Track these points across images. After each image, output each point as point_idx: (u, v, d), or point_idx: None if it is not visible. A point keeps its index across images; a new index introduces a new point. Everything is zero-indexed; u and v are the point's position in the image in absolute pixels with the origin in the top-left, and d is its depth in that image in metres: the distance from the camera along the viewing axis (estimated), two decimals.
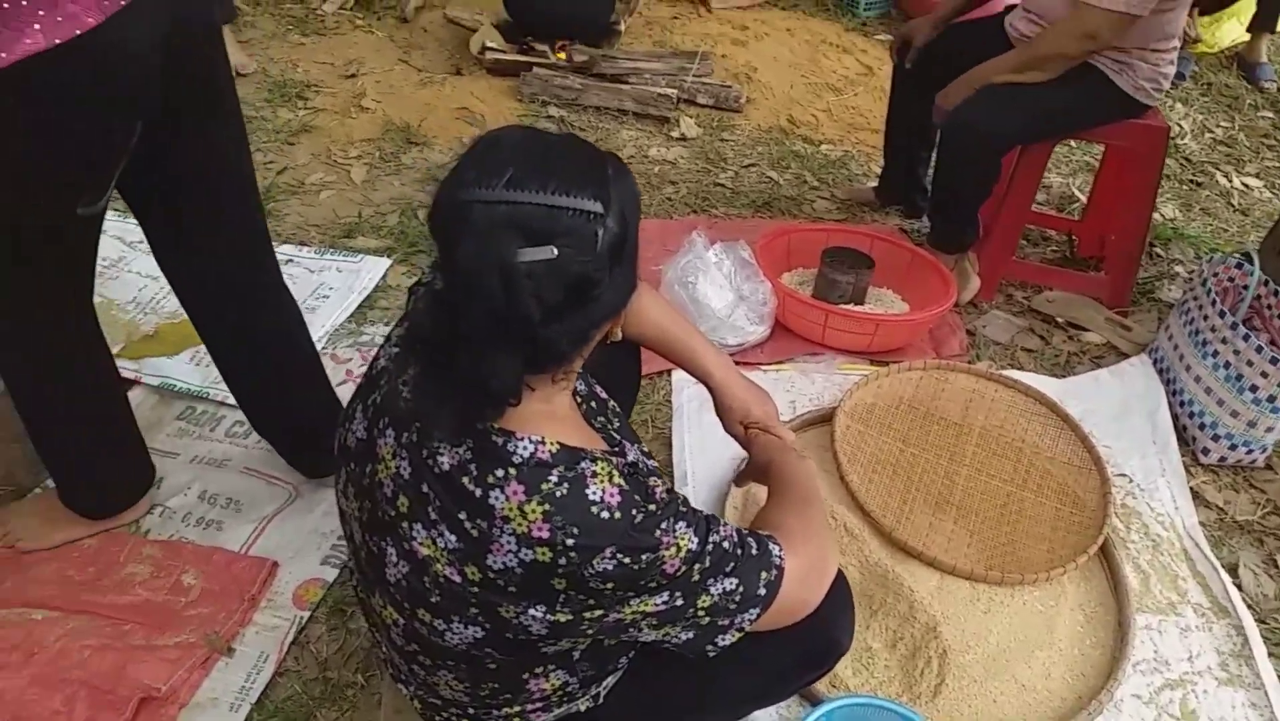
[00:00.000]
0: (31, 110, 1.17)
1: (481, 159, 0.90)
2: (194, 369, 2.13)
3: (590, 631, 1.02)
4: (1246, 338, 2.05)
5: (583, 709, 1.20)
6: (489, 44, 3.67)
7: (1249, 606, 1.85)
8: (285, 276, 1.75)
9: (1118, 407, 2.29)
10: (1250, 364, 2.05)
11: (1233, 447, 2.15)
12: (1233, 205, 3.39)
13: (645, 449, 1.27)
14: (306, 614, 1.68)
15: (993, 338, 2.53)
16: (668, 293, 2.33)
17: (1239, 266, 2.28)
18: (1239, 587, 1.89)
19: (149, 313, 2.32)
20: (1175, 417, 2.25)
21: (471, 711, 1.18)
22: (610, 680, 1.21)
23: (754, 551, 1.06)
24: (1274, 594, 1.91)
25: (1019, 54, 2.38)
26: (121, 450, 1.76)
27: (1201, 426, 2.18)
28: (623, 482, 0.97)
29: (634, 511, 0.96)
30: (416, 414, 1.00)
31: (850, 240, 2.61)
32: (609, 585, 0.96)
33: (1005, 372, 2.33)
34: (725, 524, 1.06)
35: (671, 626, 1.03)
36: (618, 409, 1.30)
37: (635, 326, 1.37)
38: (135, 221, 1.60)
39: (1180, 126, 3.82)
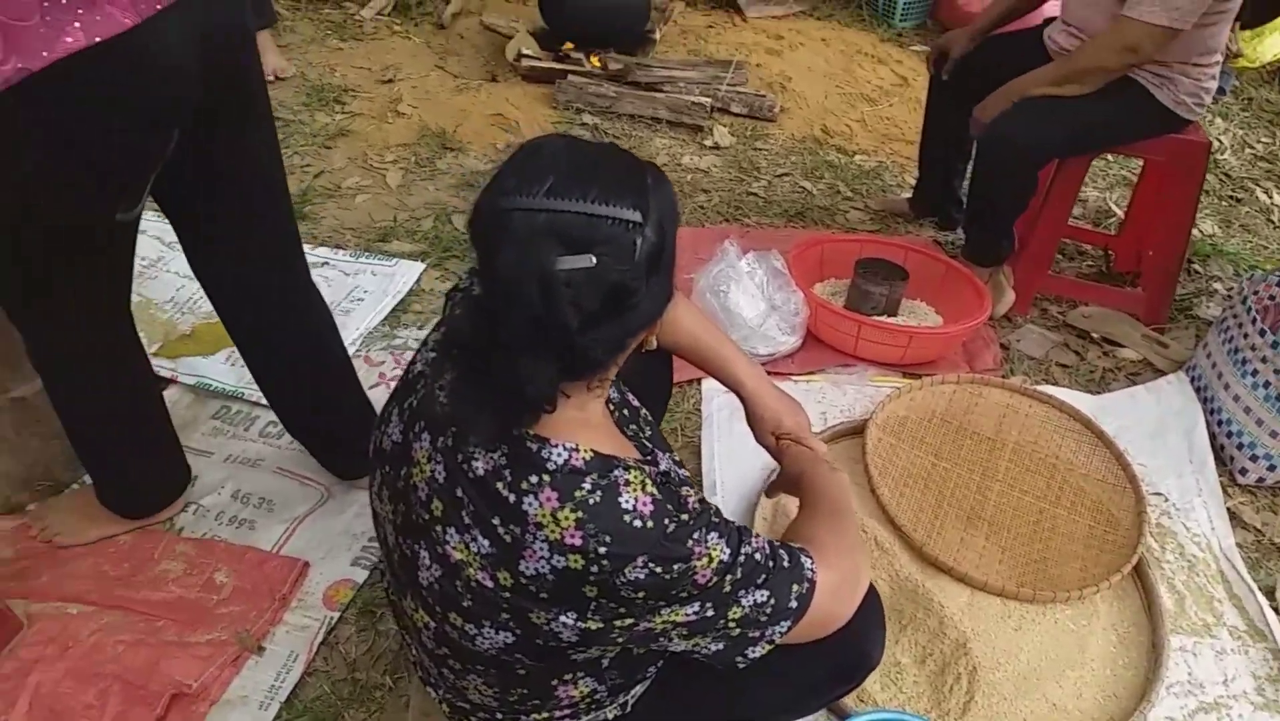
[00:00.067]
0: (73, 112, 1.18)
1: (522, 167, 0.90)
2: (229, 369, 2.15)
3: (620, 640, 1.02)
4: None
5: (610, 717, 1.20)
6: (525, 51, 3.70)
7: None
8: (320, 279, 1.77)
9: (1154, 425, 2.27)
10: None
11: (1271, 468, 2.12)
12: (1273, 222, 3.34)
13: (676, 457, 1.27)
14: (336, 614, 1.69)
15: (1027, 352, 2.51)
16: (699, 301, 2.33)
17: None
18: (1276, 611, 1.86)
19: (186, 312, 2.35)
20: (1213, 436, 2.22)
21: (500, 716, 1.18)
22: (638, 689, 1.21)
23: (786, 564, 1.06)
24: None
25: (1058, 67, 2.36)
26: (157, 450, 1.78)
27: (1240, 446, 2.14)
28: (655, 492, 0.97)
29: (666, 521, 0.96)
30: (453, 418, 1.00)
31: (884, 251, 2.60)
32: (640, 594, 0.96)
33: (1040, 388, 2.30)
34: (757, 535, 1.06)
35: (701, 637, 1.03)
36: (649, 417, 1.30)
37: (669, 335, 1.37)
38: None
39: (1220, 141, 3.77)
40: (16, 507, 1.84)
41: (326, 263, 2.55)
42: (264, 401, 1.88)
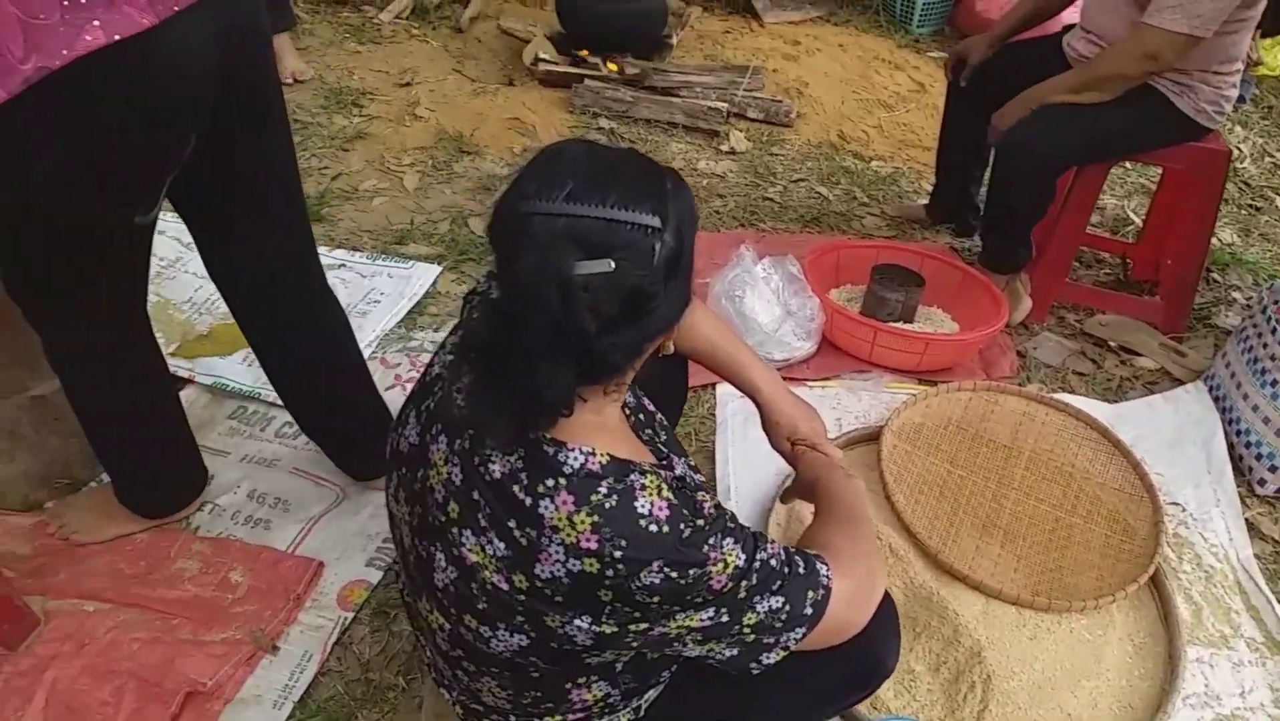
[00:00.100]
0: (93, 111, 1.18)
1: (542, 171, 0.91)
2: (246, 369, 2.16)
3: (635, 644, 1.02)
4: None
5: None
6: (542, 55, 3.71)
7: None
8: (337, 281, 1.78)
9: (1171, 435, 2.25)
10: None
11: None
12: None
13: (692, 462, 1.27)
14: (350, 615, 1.70)
15: (1044, 360, 2.50)
16: (715, 306, 2.33)
17: None
18: None
19: (204, 313, 2.37)
20: (1231, 447, 2.20)
21: (513, 719, 1.18)
22: (652, 693, 1.21)
23: (801, 570, 1.05)
24: None
25: (1077, 74, 2.35)
26: (173, 451, 1.79)
27: (1259, 457, 2.13)
28: (671, 497, 0.97)
29: (682, 526, 0.96)
30: (470, 421, 1.00)
31: (900, 257, 2.59)
32: (655, 599, 0.96)
33: (1056, 396, 2.29)
34: (773, 541, 1.06)
35: (716, 642, 1.03)
36: (664, 421, 1.30)
37: (685, 339, 1.37)
38: None
39: (1240, 150, 3.75)
40: (35, 505, 1.86)
41: (343, 265, 2.56)
42: (280, 402, 1.89)
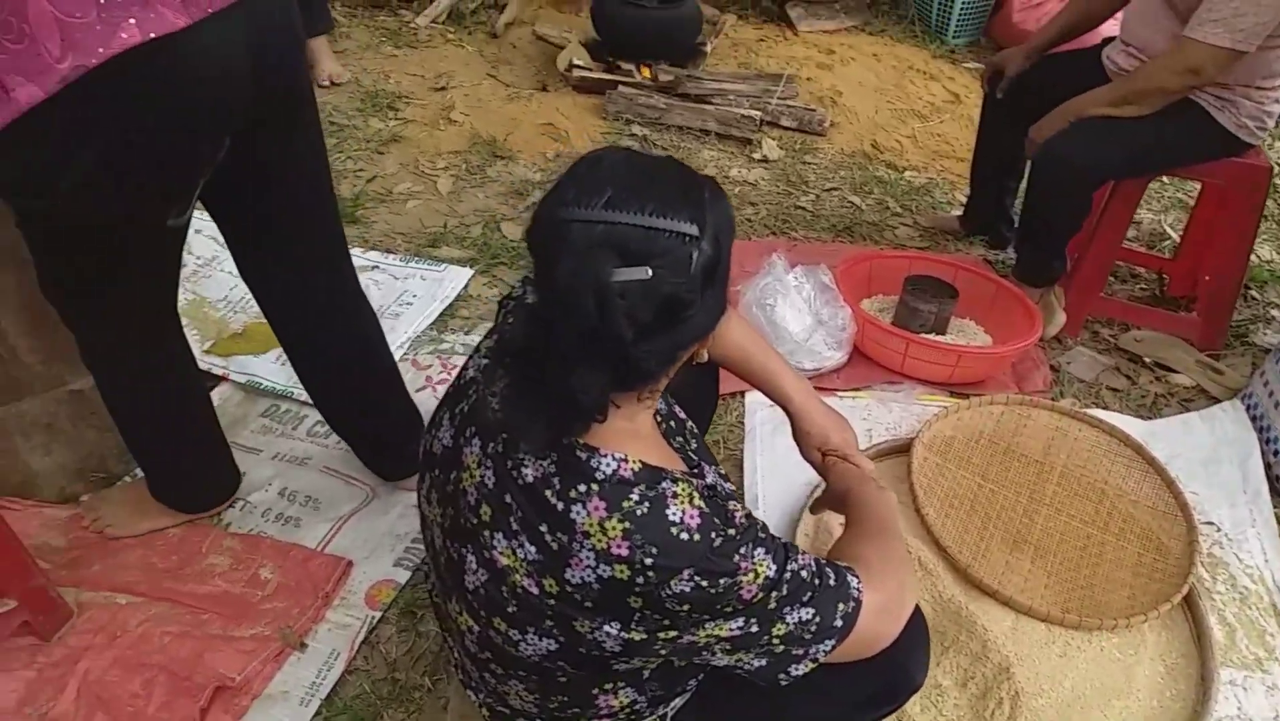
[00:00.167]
0: (129, 109, 1.18)
1: (582, 179, 0.91)
2: (279, 368, 2.18)
3: (663, 651, 1.02)
4: None
5: None
6: (576, 61, 3.72)
7: None
8: (370, 282, 1.78)
9: (1207, 453, 2.22)
10: None
11: None
12: None
13: (722, 471, 1.26)
14: (378, 614, 1.71)
15: (1077, 375, 2.48)
16: (746, 314, 2.33)
17: None
18: None
19: (238, 311, 2.39)
20: (1268, 466, 2.17)
21: None
22: (678, 701, 1.20)
23: (832, 582, 1.05)
24: None
25: (1116, 87, 2.32)
26: (203, 450, 1.81)
27: None
28: (703, 505, 0.97)
29: (713, 535, 0.95)
30: (504, 425, 1.01)
31: (933, 269, 2.58)
32: (685, 607, 0.96)
33: (1089, 411, 2.27)
34: (804, 553, 1.05)
35: (745, 652, 1.02)
36: (695, 429, 1.30)
37: (717, 347, 1.37)
38: None
39: (1279, 166, 3.69)
40: (71, 497, 1.89)
41: (377, 266, 2.58)
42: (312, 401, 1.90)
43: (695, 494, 0.97)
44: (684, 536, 0.94)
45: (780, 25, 4.48)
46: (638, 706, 1.15)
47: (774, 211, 3.12)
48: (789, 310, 2.30)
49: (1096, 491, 2.06)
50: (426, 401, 2.07)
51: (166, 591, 1.71)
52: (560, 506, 0.95)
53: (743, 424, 2.20)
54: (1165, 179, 3.41)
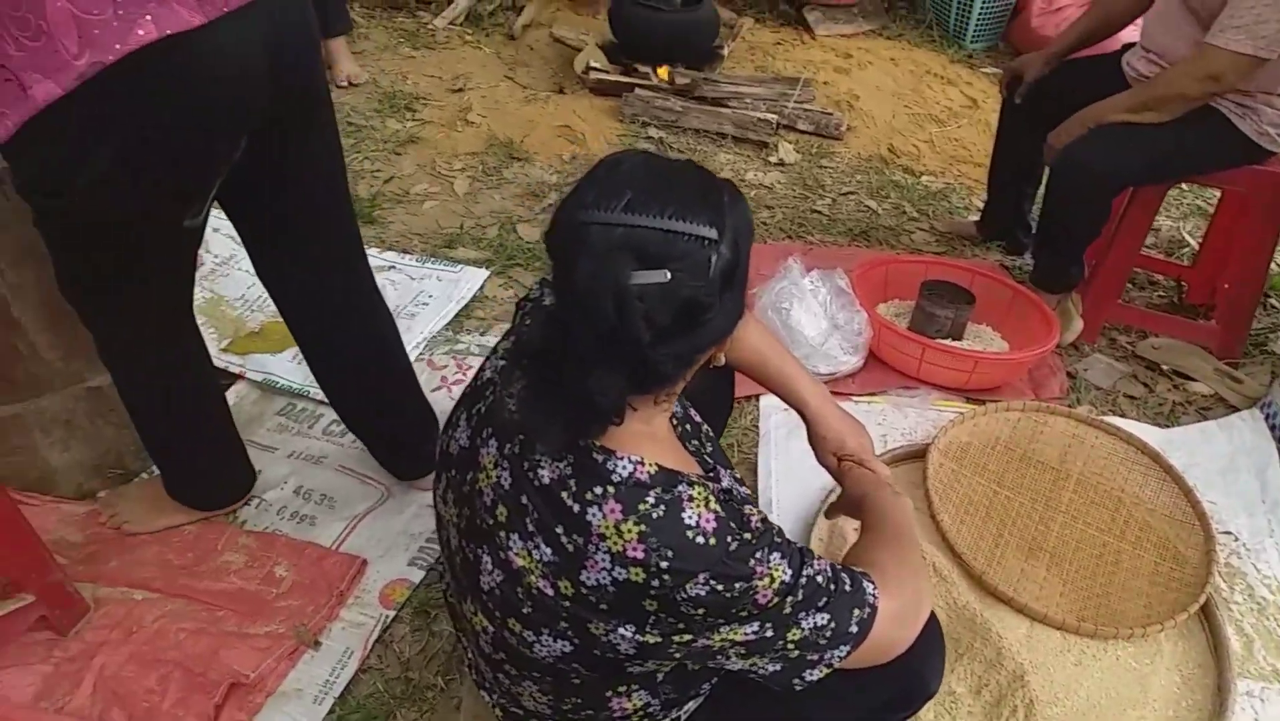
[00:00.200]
0: (145, 105, 1.19)
1: (601, 182, 0.91)
2: (295, 367, 2.19)
3: (678, 655, 1.02)
4: None
5: None
6: (593, 64, 3.73)
7: None
8: (387, 282, 1.79)
9: (1225, 462, 2.20)
10: None
11: None
12: None
13: (738, 475, 1.26)
14: (392, 613, 1.71)
15: (1094, 382, 2.46)
16: (761, 318, 2.33)
17: None
18: None
19: (255, 310, 2.40)
20: None
21: None
22: (692, 705, 1.20)
23: (847, 588, 1.05)
24: None
25: (1136, 93, 2.31)
26: (218, 450, 1.82)
27: None
28: (719, 509, 0.97)
29: (729, 539, 0.95)
30: (521, 426, 1.01)
31: (950, 274, 2.57)
32: (700, 611, 0.96)
33: (1106, 419, 2.26)
34: (819, 558, 1.05)
35: (759, 657, 1.02)
36: (710, 433, 1.30)
37: (734, 351, 1.37)
38: None
39: None
40: (88, 494, 1.90)
41: (393, 266, 2.59)
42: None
43: (711, 497, 0.97)
44: (699, 540, 0.94)
45: (797, 29, 4.47)
46: (651, 709, 1.15)
47: (790, 215, 3.11)
48: (804, 314, 2.30)
49: (1113, 499, 2.05)
50: (441, 402, 2.08)
51: (182, 588, 1.72)
52: (576, 508, 0.95)
53: (757, 427, 2.19)
54: (1184, 186, 3.39)
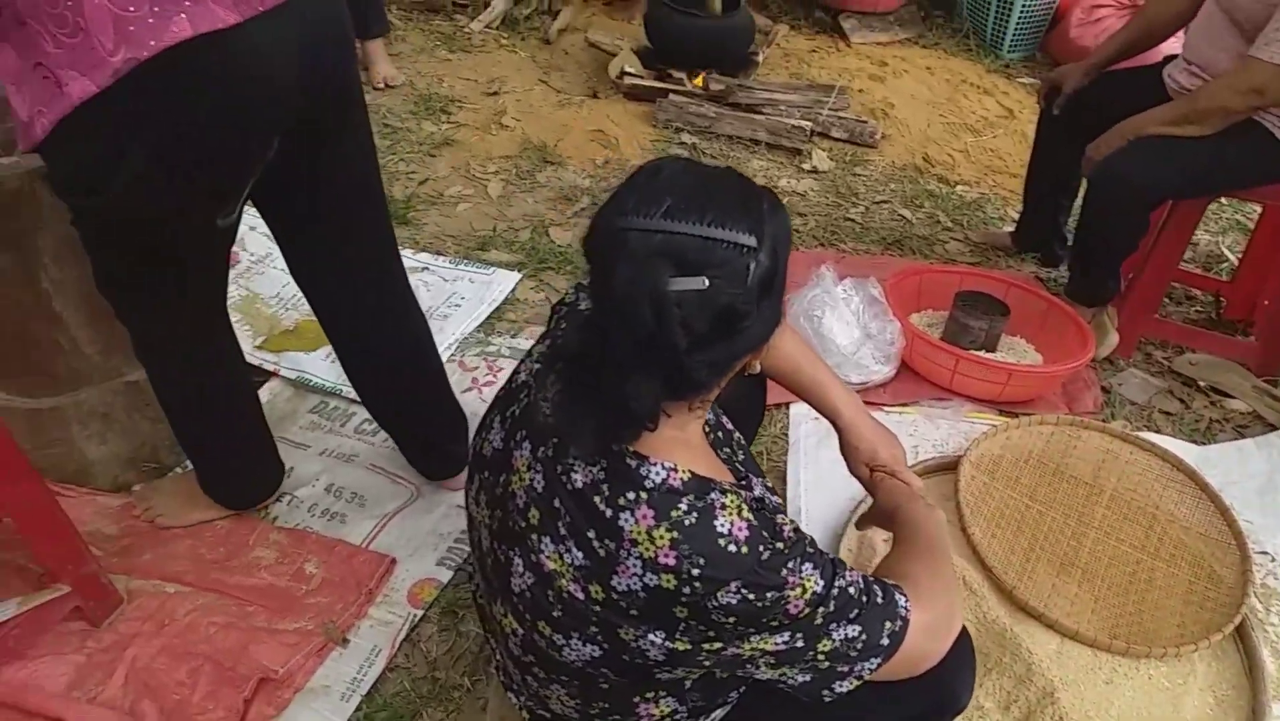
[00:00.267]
0: (180, 103, 1.19)
1: (641, 188, 0.91)
2: (329, 365, 2.21)
3: (707, 662, 1.02)
4: None
5: None
6: (627, 69, 3.73)
7: None
8: (420, 283, 1.79)
9: (1263, 481, 2.17)
10: None
11: None
12: None
13: (769, 484, 1.26)
14: (420, 612, 1.72)
15: (1129, 397, 2.43)
16: (792, 325, 2.31)
17: None
18: None
19: (290, 308, 2.43)
20: None
21: None
22: (719, 713, 1.20)
23: (880, 600, 1.04)
24: None
25: (1177, 106, 2.28)
26: (250, 447, 1.83)
27: None
28: (751, 517, 0.97)
29: (761, 548, 0.95)
30: (555, 429, 1.01)
31: (984, 285, 2.55)
32: (731, 619, 0.95)
33: (1141, 435, 2.23)
34: (851, 569, 1.05)
35: (789, 667, 1.02)
36: (742, 440, 1.30)
37: (768, 358, 1.36)
38: None
39: None
40: (123, 486, 1.92)
41: (426, 268, 2.61)
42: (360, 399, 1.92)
43: (744, 506, 0.97)
44: (731, 548, 0.94)
45: (833, 36, 4.46)
46: (678, 716, 1.15)
47: (823, 223, 3.10)
48: (837, 322, 2.29)
49: (1147, 516, 2.02)
50: (472, 403, 2.09)
51: (214, 582, 1.73)
52: (609, 513, 0.95)
53: (787, 436, 2.19)
54: (1224, 200, 3.35)
